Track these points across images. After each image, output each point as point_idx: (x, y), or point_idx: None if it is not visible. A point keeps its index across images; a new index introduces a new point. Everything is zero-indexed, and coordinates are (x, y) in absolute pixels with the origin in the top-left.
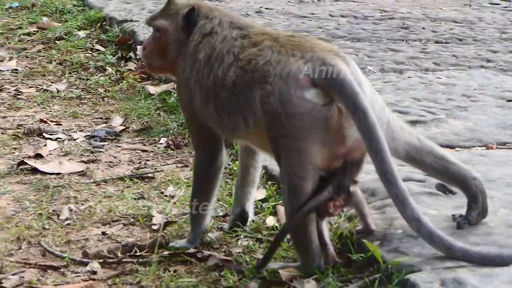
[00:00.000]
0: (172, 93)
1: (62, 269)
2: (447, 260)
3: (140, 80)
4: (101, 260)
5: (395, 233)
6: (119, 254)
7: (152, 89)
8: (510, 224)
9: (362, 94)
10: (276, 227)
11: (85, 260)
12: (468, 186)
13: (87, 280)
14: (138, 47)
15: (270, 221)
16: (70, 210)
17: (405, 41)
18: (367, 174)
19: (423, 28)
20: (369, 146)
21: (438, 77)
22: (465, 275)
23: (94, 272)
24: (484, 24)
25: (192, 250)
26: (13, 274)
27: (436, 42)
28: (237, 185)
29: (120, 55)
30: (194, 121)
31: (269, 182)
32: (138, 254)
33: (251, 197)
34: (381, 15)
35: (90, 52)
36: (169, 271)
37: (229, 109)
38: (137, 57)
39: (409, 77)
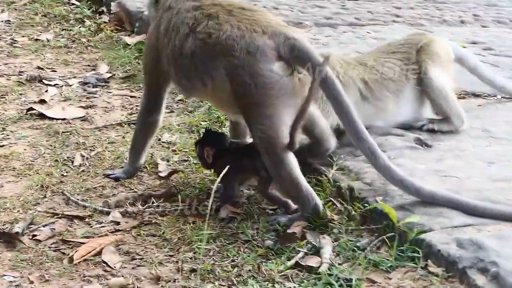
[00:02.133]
0: None
1: (87, 219)
2: (453, 218)
3: (115, 31)
4: (122, 210)
5: (396, 189)
6: (138, 205)
7: (128, 40)
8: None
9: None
10: None
11: (106, 209)
12: None
13: (113, 232)
14: (112, 3)
15: None
16: (82, 156)
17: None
18: None
19: None
20: (339, 109)
21: (367, 32)
22: (481, 236)
23: (118, 223)
24: None
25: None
26: (44, 226)
27: None
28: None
29: (94, 9)
30: (150, 81)
31: None
32: (155, 204)
33: None
34: None
35: (68, 6)
36: (189, 223)
37: (188, 74)
38: (110, 11)
39: (344, 32)
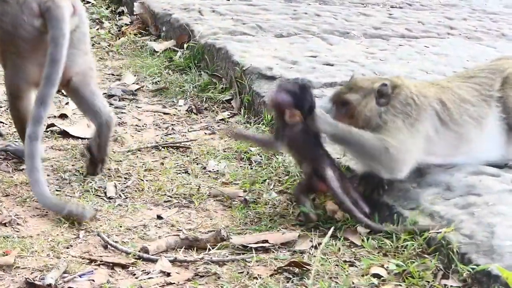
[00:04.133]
0: (177, 51)
1: (131, 268)
2: None
3: (139, 35)
4: (171, 257)
5: (503, 245)
6: (191, 252)
7: (156, 46)
8: None
9: (67, 35)
10: None
11: (153, 257)
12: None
13: (163, 286)
14: (135, 3)
15: None
16: (115, 186)
17: None
18: (436, 167)
19: None
20: (46, 73)
21: (425, 46)
22: None
23: (168, 274)
24: None
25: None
26: (80, 276)
27: None
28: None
29: (112, 9)
30: None
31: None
32: (210, 252)
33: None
34: None
35: (83, 4)
36: (255, 278)
37: None
38: (131, 12)
39: (400, 45)
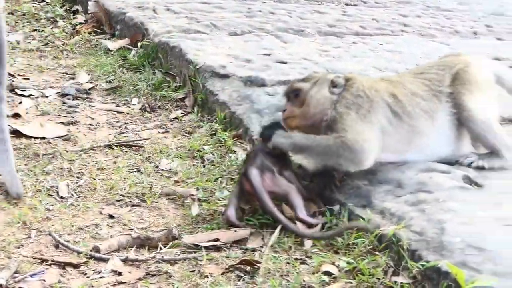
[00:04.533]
0: (132, 50)
1: (82, 267)
2: None
3: (94, 34)
4: (123, 257)
5: (453, 241)
6: (142, 251)
7: (110, 45)
8: None
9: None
10: None
11: (105, 256)
12: None
13: (115, 285)
14: (89, 2)
15: None
16: (68, 185)
17: None
18: (387, 165)
19: None
20: None
21: (379, 43)
22: None
23: (119, 273)
24: None
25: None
26: (32, 275)
27: None
28: None
29: (67, 8)
30: None
31: None
32: (162, 250)
33: None
34: None
35: (37, 3)
36: (206, 276)
37: None
38: (86, 11)
39: (354, 43)
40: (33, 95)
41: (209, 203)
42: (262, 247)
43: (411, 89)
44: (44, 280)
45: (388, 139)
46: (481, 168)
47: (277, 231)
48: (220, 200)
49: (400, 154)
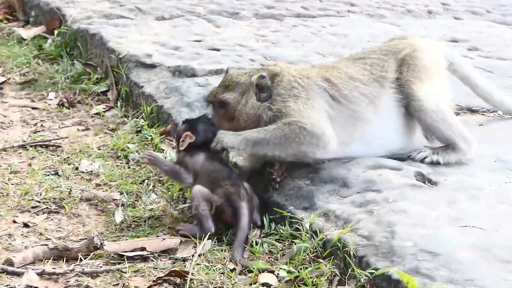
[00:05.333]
0: (48, 38)
1: None
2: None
3: (6, 21)
4: (39, 270)
5: (404, 246)
6: (61, 263)
7: (23, 33)
8: None
9: None
10: None
11: (19, 270)
12: None
13: None
14: None
15: None
16: None
17: None
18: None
19: None
20: None
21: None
22: None
23: None
24: None
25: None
26: None
27: None
28: None
29: None
30: None
31: None
32: (82, 262)
33: None
34: None
35: None
36: (124, 286)
37: None
38: None
39: (294, 26)
40: None
41: (134, 208)
42: (193, 256)
43: (348, 73)
44: None
45: (333, 126)
46: (435, 164)
47: (205, 238)
48: (147, 205)
49: (345, 146)
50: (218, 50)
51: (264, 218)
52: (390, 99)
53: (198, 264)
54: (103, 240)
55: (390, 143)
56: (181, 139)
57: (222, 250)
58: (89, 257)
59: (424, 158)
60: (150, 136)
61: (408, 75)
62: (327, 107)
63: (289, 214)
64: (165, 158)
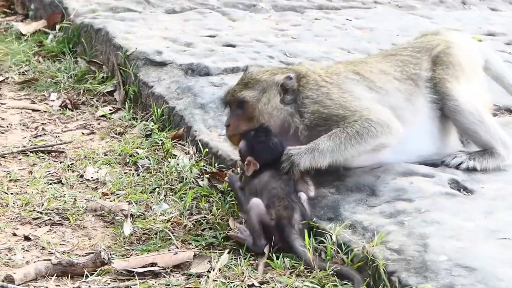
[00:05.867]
0: (49, 34)
1: None
2: None
3: (3, 15)
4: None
5: (438, 260)
6: (65, 280)
7: (23, 28)
8: None
9: None
10: None
11: (20, 287)
12: None
13: None
14: None
15: None
16: None
17: None
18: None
19: None
20: None
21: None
22: None
23: None
24: None
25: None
26: None
27: None
28: None
29: None
30: None
31: None
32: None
33: None
34: None
35: None
36: None
37: None
38: None
39: (316, 19)
40: None
41: (144, 219)
42: (209, 271)
43: (379, 68)
44: None
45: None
46: (471, 170)
47: (225, 252)
48: (158, 216)
49: (374, 150)
50: (233, 46)
51: None
52: (425, 99)
53: (214, 280)
54: (110, 254)
55: (423, 147)
56: (246, 164)
57: (240, 265)
58: (95, 273)
59: (460, 164)
60: (161, 140)
61: (443, 73)
62: (368, 93)
63: (313, 225)
64: (177, 164)
